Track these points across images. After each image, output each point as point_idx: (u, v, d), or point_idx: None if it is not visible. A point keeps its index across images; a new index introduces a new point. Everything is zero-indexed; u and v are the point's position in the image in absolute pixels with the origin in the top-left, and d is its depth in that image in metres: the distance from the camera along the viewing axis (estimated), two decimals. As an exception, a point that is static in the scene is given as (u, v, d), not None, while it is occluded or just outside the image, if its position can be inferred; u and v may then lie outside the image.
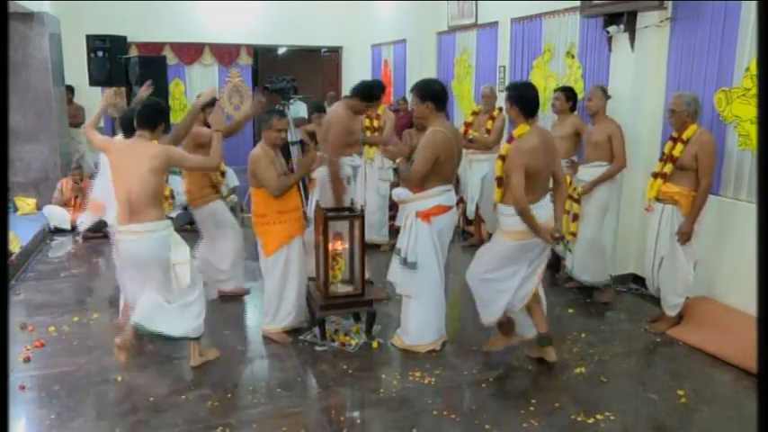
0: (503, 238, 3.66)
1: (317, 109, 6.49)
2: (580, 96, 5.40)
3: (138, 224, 3.42)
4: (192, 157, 3.76)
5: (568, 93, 5.12)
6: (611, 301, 4.83)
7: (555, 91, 5.21)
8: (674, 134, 4.09)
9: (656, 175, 4.18)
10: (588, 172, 4.76)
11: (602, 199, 4.75)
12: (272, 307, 4.10)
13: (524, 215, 3.45)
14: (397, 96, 9.25)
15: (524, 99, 3.59)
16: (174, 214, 7.09)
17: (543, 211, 3.57)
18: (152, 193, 3.43)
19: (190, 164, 3.77)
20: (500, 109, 6.07)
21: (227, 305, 4.83)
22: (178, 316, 3.58)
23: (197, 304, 3.66)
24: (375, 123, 6.19)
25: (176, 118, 10.29)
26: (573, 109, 5.16)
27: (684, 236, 4.00)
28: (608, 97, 4.77)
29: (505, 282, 3.67)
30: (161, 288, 3.53)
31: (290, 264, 4.07)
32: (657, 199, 4.18)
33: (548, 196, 3.62)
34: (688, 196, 4.00)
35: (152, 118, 3.55)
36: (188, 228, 6.94)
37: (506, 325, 3.89)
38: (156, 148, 3.50)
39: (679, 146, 4.02)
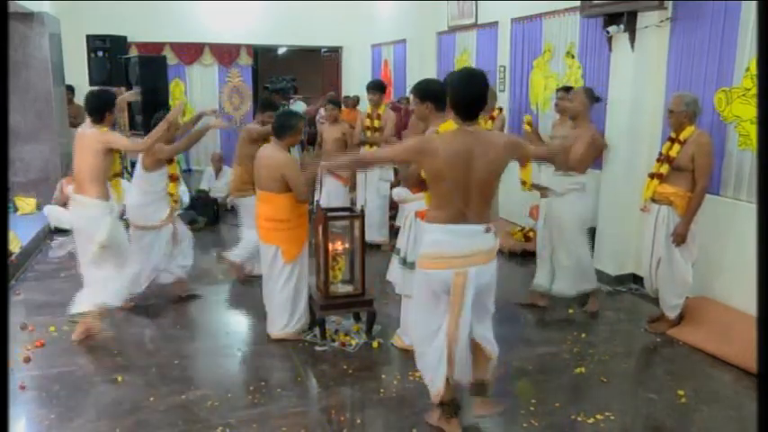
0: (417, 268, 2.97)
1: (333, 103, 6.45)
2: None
3: (80, 195, 4.04)
4: (125, 141, 4.23)
5: (570, 92, 5.11)
6: (599, 309, 4.63)
7: (558, 90, 5.22)
8: (672, 135, 4.08)
9: (652, 176, 4.18)
10: (559, 181, 4.45)
11: (575, 213, 4.45)
12: (288, 312, 4.06)
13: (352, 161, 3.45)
14: (397, 97, 9.26)
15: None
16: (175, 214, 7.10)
17: (464, 242, 2.77)
18: (93, 172, 3.99)
19: (121, 146, 4.14)
20: (500, 109, 6.08)
21: (227, 305, 4.84)
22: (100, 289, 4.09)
23: (115, 281, 4.13)
24: (376, 123, 6.19)
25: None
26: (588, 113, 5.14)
27: (679, 237, 3.99)
28: (597, 100, 4.45)
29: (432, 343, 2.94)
30: (92, 260, 4.03)
31: (304, 267, 4.08)
32: (653, 200, 4.17)
33: (481, 227, 2.79)
34: (684, 197, 4.00)
35: (98, 108, 4.03)
36: (188, 228, 6.94)
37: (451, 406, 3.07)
38: (96, 133, 4.00)
39: (676, 146, 4.01)
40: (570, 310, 4.70)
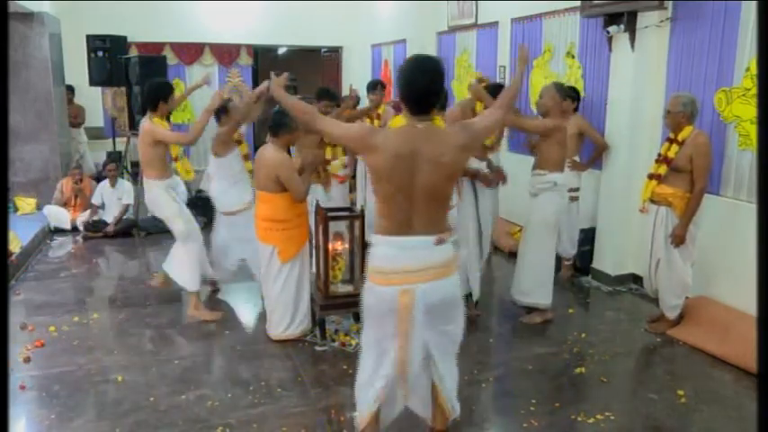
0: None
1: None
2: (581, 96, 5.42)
3: (144, 178, 4.59)
4: (169, 134, 4.46)
5: (573, 93, 5.11)
6: (543, 322, 4.41)
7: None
8: (671, 135, 4.08)
9: (650, 177, 4.18)
10: (534, 180, 4.35)
11: (545, 212, 4.30)
12: (290, 313, 4.06)
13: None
14: (397, 97, 9.25)
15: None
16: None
17: (410, 255, 2.40)
18: (147, 158, 4.45)
19: (167, 139, 4.42)
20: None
21: (227, 305, 4.84)
22: (177, 264, 4.60)
23: (185, 258, 4.53)
24: (376, 123, 6.19)
25: (177, 118, 10.30)
26: (576, 109, 5.15)
27: (678, 238, 3.99)
28: (573, 99, 4.33)
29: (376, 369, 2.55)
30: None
31: (305, 267, 4.07)
32: (652, 201, 4.17)
33: (431, 239, 2.39)
34: (682, 198, 3.99)
35: (152, 98, 4.44)
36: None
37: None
38: (147, 127, 4.37)
39: (674, 147, 4.01)
40: (570, 310, 4.71)
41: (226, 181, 4.78)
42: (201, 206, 7.41)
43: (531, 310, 4.45)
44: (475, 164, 4.31)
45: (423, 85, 2.38)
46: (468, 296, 4.31)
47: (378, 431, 2.65)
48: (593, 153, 5.24)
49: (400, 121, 2.55)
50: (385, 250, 2.43)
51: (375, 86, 6.26)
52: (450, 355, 2.60)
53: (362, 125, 2.56)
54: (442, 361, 2.54)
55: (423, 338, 2.44)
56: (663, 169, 4.06)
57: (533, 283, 4.39)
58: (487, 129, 2.61)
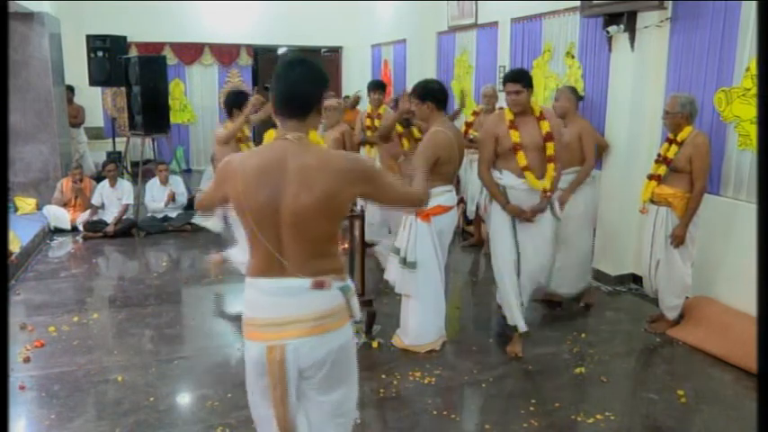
0: None
1: None
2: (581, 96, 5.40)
3: None
4: (216, 132, 4.73)
5: (574, 92, 5.10)
6: (595, 302, 4.73)
7: (558, 91, 5.21)
8: (671, 135, 4.08)
9: (650, 177, 4.18)
10: (563, 178, 4.36)
11: (583, 203, 4.58)
12: None
13: None
14: (395, 95, 9.25)
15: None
16: (174, 214, 7.11)
17: (278, 302, 1.89)
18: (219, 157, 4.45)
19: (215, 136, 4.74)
20: (501, 108, 6.07)
21: (224, 306, 4.84)
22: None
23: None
24: (377, 123, 6.19)
25: (176, 118, 10.32)
26: (576, 109, 5.14)
27: (677, 239, 3.99)
28: (580, 98, 4.72)
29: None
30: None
31: None
32: (652, 201, 4.17)
33: (306, 282, 1.87)
34: (682, 198, 3.99)
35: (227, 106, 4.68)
36: (188, 228, 6.95)
37: None
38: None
39: (673, 147, 4.01)
40: (570, 310, 4.71)
41: None
42: (201, 206, 7.41)
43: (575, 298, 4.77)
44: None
45: (289, 84, 1.90)
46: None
47: None
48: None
49: (272, 135, 2.18)
50: (252, 295, 1.94)
51: (377, 86, 6.27)
52: (340, 425, 2.02)
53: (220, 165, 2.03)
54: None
55: (303, 410, 1.98)
56: (662, 170, 4.06)
57: (582, 271, 4.70)
58: (392, 192, 2.01)
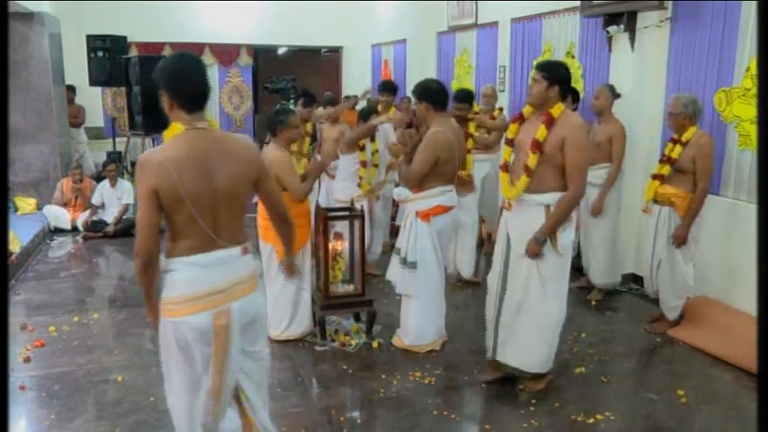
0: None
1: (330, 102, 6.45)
2: (581, 96, 5.41)
3: None
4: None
5: (573, 93, 5.12)
6: (602, 299, 4.86)
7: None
8: (675, 136, 4.08)
9: (654, 177, 4.18)
10: (593, 174, 4.54)
11: (610, 199, 4.71)
12: (289, 313, 4.05)
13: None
14: (399, 97, 9.23)
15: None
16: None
17: (220, 271, 2.16)
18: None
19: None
20: (500, 109, 6.07)
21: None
22: None
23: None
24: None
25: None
26: (575, 110, 5.15)
27: (680, 239, 3.99)
28: (617, 96, 4.68)
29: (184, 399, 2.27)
30: None
31: (305, 268, 4.06)
32: (655, 201, 4.17)
33: (237, 250, 2.21)
34: (685, 198, 3.99)
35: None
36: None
37: None
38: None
39: (678, 148, 4.01)
40: (570, 310, 4.70)
41: (340, 174, 5.36)
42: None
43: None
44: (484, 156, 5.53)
45: (199, 78, 2.13)
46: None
47: None
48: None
49: (176, 128, 2.16)
50: (191, 273, 2.12)
51: (386, 88, 6.23)
52: (264, 381, 2.39)
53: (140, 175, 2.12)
54: (255, 390, 2.34)
55: (238, 365, 2.24)
56: (666, 170, 4.07)
57: (613, 265, 4.86)
58: (276, 189, 2.47)
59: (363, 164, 5.24)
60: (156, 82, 2.18)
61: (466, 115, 4.75)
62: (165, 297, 2.16)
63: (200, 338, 2.13)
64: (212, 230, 2.12)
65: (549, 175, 3.14)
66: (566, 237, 3.20)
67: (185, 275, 2.13)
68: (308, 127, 5.71)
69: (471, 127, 4.91)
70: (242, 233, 2.23)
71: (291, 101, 7.10)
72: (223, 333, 2.14)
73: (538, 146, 3.14)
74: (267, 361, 2.40)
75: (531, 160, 3.15)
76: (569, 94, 3.42)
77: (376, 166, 5.39)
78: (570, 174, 3.11)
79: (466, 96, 4.87)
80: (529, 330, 3.29)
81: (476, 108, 6.37)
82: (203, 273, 2.13)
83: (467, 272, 5.22)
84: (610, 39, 5.11)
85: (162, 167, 2.04)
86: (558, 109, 3.16)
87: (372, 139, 5.31)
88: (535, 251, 3.15)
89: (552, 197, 3.14)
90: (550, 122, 3.14)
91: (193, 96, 2.13)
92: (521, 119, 3.35)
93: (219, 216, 2.13)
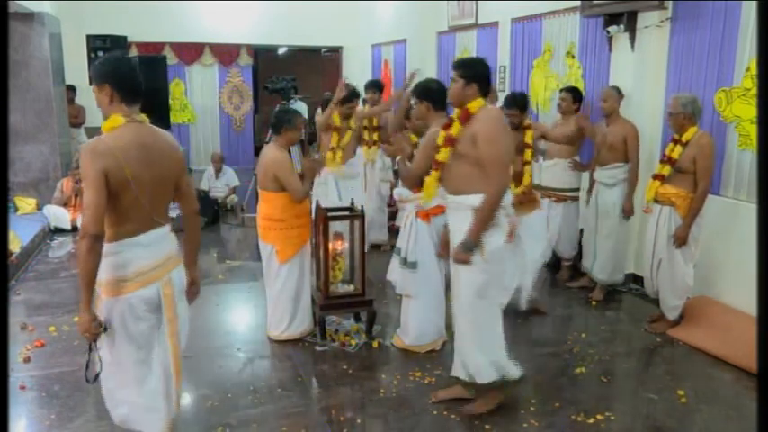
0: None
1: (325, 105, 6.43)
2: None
3: None
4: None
5: (575, 94, 5.12)
6: (602, 298, 4.85)
7: (561, 91, 5.21)
8: (675, 136, 4.08)
9: (655, 177, 4.18)
10: (606, 174, 4.73)
11: (619, 198, 4.71)
12: (289, 313, 4.04)
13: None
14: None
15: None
16: (174, 214, 7.10)
17: (160, 248, 2.46)
18: None
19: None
20: (501, 109, 6.07)
21: (227, 305, 4.84)
22: None
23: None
24: (374, 122, 6.20)
25: (176, 118, 10.32)
26: (578, 110, 5.15)
27: (680, 239, 3.99)
28: (622, 96, 4.73)
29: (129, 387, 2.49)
30: None
31: (304, 269, 4.06)
32: (656, 200, 4.18)
33: (167, 228, 2.52)
34: (685, 198, 3.99)
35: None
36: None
37: None
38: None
39: (678, 148, 4.02)
40: (570, 310, 4.71)
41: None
42: (201, 206, 7.42)
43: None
44: None
45: (137, 75, 2.41)
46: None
47: None
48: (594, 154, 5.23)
49: (117, 120, 2.35)
50: (138, 251, 2.38)
51: (373, 86, 6.27)
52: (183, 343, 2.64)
53: (88, 163, 2.28)
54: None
55: (186, 327, 2.59)
56: (667, 170, 4.07)
57: (618, 263, 4.84)
58: (190, 185, 2.73)
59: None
60: (97, 76, 2.38)
61: (516, 122, 4.34)
62: (113, 277, 2.35)
63: (151, 309, 2.42)
64: (152, 211, 2.39)
65: (475, 176, 2.95)
66: (493, 243, 2.96)
67: (133, 254, 2.37)
68: (351, 123, 5.60)
69: (528, 136, 4.38)
70: (167, 213, 2.54)
71: (291, 100, 7.10)
72: (171, 300, 2.46)
73: (450, 140, 3.02)
74: (187, 326, 2.65)
75: (442, 154, 3.04)
76: (490, 90, 3.17)
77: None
78: (487, 170, 2.90)
79: (515, 101, 4.41)
80: (464, 337, 3.18)
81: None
82: (147, 250, 2.40)
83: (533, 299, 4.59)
84: (610, 39, 5.11)
85: (111, 153, 2.25)
86: (475, 105, 3.01)
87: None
88: (461, 258, 2.97)
89: (479, 199, 2.95)
90: (466, 118, 3.00)
91: (133, 91, 2.38)
92: (451, 122, 3.11)
93: (155, 199, 2.41)
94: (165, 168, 2.42)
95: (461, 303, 3.12)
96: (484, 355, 3.13)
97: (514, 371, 3.21)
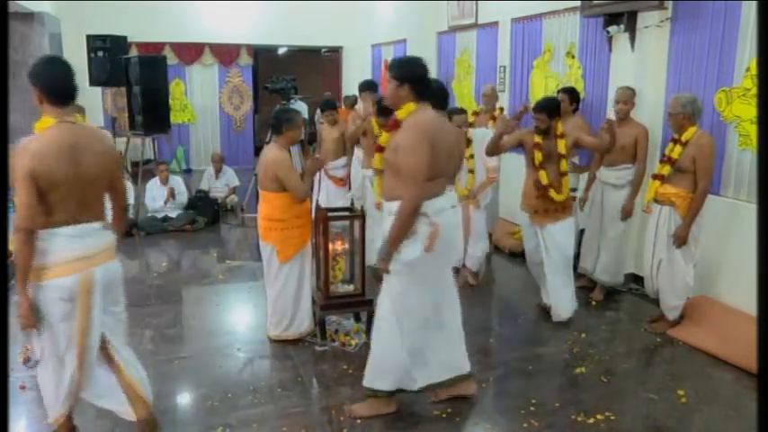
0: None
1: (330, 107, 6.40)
2: (581, 97, 5.41)
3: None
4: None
5: (572, 94, 5.12)
6: (602, 299, 4.85)
7: (558, 92, 5.21)
8: (675, 136, 4.08)
9: (654, 177, 4.18)
10: (614, 175, 4.67)
11: (624, 200, 4.67)
12: (289, 314, 4.04)
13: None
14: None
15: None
16: (174, 214, 7.11)
17: (84, 242, 2.59)
18: None
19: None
20: (501, 109, 6.08)
21: (227, 305, 4.84)
22: None
23: None
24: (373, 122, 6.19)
25: (176, 118, 10.33)
26: (575, 110, 5.15)
27: (680, 239, 3.99)
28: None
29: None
30: None
31: (305, 269, 4.06)
32: (655, 200, 4.18)
33: (97, 225, 2.65)
34: (685, 198, 3.99)
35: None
36: (188, 228, 6.96)
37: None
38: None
39: (678, 148, 4.02)
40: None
41: None
42: (201, 206, 7.43)
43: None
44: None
45: (67, 78, 2.54)
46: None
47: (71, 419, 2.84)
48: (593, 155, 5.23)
49: (48, 121, 2.50)
50: (60, 242, 2.52)
51: (368, 87, 6.28)
52: (123, 337, 2.88)
53: (18, 161, 2.46)
54: (120, 345, 2.82)
55: (101, 322, 2.67)
56: (666, 170, 4.07)
57: (619, 264, 4.86)
58: (123, 184, 2.85)
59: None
60: (29, 78, 2.52)
61: (543, 128, 4.22)
62: (38, 264, 2.49)
63: (66, 298, 2.53)
64: (78, 208, 2.54)
65: (400, 184, 2.86)
66: (408, 253, 2.89)
67: (55, 244, 2.51)
68: (335, 130, 5.69)
69: (561, 145, 4.23)
70: (102, 211, 2.68)
71: (291, 100, 7.10)
72: (87, 293, 2.57)
73: (379, 148, 2.97)
74: (125, 322, 2.88)
75: (375, 161, 3.03)
76: (427, 91, 3.00)
77: (471, 171, 4.98)
78: (402, 179, 2.84)
79: (542, 105, 4.25)
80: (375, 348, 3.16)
81: (476, 108, 6.38)
82: (70, 242, 2.53)
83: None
84: (610, 39, 5.11)
85: (39, 154, 2.40)
86: (404, 111, 2.93)
87: (468, 144, 4.86)
88: (379, 266, 2.94)
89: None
90: (393, 125, 2.96)
91: (60, 94, 2.52)
92: (396, 124, 2.98)
93: (84, 196, 2.55)
94: (93, 167, 2.54)
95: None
96: (377, 369, 3.13)
97: (413, 384, 3.14)
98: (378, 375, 3.14)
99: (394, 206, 2.91)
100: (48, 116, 2.51)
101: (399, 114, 2.95)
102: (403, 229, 2.87)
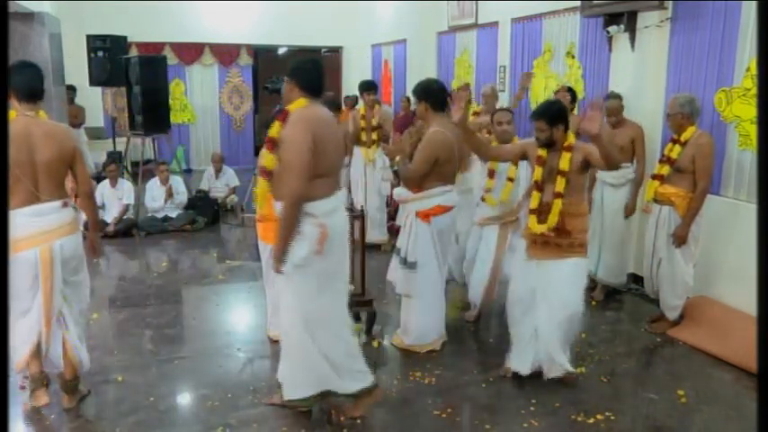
0: None
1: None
2: (580, 97, 5.41)
3: None
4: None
5: (572, 92, 5.12)
6: (603, 298, 4.85)
7: (557, 92, 5.21)
8: (675, 136, 4.08)
9: (654, 177, 4.18)
10: (613, 174, 4.63)
11: (625, 199, 4.70)
12: None
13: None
14: (397, 97, 9.26)
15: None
16: (174, 214, 7.10)
17: (44, 219, 3.03)
18: None
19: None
20: (502, 109, 6.06)
21: (227, 305, 4.84)
22: None
23: None
24: (373, 121, 6.20)
25: (176, 118, 10.32)
26: (573, 109, 5.15)
27: (679, 239, 3.99)
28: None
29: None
30: None
31: None
32: (655, 200, 4.18)
33: (57, 203, 3.09)
34: (685, 198, 4.00)
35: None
36: (188, 228, 6.95)
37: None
38: None
39: (677, 148, 4.02)
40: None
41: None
42: (201, 206, 7.43)
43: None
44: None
45: (33, 79, 3.03)
46: None
47: (40, 365, 3.20)
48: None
49: (12, 114, 2.93)
50: (21, 220, 2.91)
51: (368, 87, 6.28)
52: (84, 302, 3.29)
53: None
54: (71, 312, 3.15)
55: (60, 291, 3.05)
56: (666, 169, 4.07)
57: (622, 264, 4.88)
58: (86, 171, 3.25)
59: (491, 173, 4.34)
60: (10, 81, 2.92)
61: (544, 138, 3.40)
62: (12, 238, 2.80)
63: (29, 269, 2.94)
64: (34, 189, 2.95)
65: (284, 180, 2.83)
66: (296, 254, 2.82)
67: (19, 222, 2.90)
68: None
69: (564, 160, 3.33)
70: (62, 192, 3.07)
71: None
72: (48, 264, 2.96)
73: (271, 143, 2.86)
74: (87, 287, 3.30)
75: (264, 159, 2.91)
76: (312, 89, 2.96)
77: (511, 180, 4.25)
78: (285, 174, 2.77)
79: (540, 111, 3.48)
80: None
81: (476, 108, 6.37)
82: (29, 220, 2.93)
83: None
84: (610, 39, 5.11)
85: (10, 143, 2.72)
86: (294, 105, 2.88)
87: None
88: (276, 269, 2.92)
89: None
90: (283, 120, 2.85)
91: (23, 92, 2.98)
92: (284, 116, 2.91)
93: (40, 179, 2.96)
94: (46, 154, 2.95)
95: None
96: (290, 375, 3.08)
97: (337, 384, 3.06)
98: (294, 384, 3.05)
99: (279, 207, 2.84)
100: (12, 110, 2.94)
101: (291, 109, 2.87)
102: (288, 229, 2.79)
